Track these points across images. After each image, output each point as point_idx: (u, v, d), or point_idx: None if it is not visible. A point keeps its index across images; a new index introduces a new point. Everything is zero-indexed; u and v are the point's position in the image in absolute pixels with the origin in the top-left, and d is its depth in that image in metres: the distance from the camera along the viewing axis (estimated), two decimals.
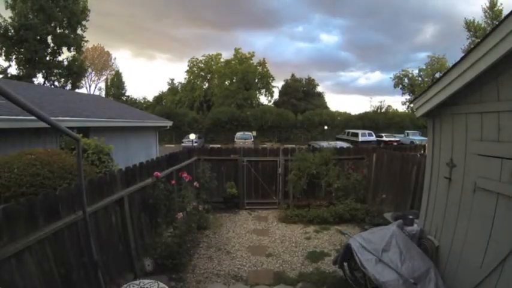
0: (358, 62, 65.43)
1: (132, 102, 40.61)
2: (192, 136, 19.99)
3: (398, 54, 55.94)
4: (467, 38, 30.53)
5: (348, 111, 40.91)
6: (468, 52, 2.64)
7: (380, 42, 56.79)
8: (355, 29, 61.32)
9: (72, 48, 28.41)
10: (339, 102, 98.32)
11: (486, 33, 2.53)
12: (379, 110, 38.28)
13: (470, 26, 30.41)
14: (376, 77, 68.40)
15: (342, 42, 66.52)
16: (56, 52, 27.98)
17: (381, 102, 39.85)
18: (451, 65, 3.08)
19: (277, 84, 44.43)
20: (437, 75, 32.88)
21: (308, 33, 63.56)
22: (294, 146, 10.98)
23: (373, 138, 24.82)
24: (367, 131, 26.03)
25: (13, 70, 26.60)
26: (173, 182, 5.21)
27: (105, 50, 45.66)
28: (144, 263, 3.88)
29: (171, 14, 55.81)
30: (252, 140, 24.36)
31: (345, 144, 13.93)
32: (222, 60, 43.09)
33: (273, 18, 57.68)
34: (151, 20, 56.64)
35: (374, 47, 57.59)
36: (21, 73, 26.17)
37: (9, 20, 24.44)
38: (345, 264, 3.74)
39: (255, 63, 40.91)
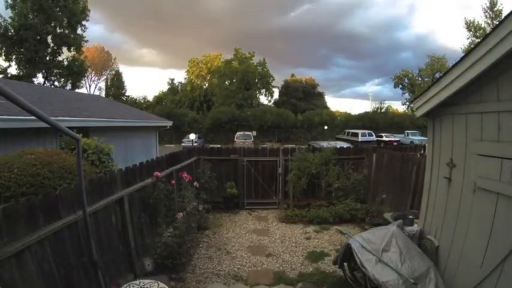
0: (358, 74, 72.71)
1: (132, 102, 40.57)
2: (192, 136, 20.00)
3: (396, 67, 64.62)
4: (467, 38, 30.56)
5: (348, 111, 41.04)
6: (468, 52, 2.64)
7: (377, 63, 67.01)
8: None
9: (72, 48, 28.40)
10: (339, 104, 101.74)
11: (486, 33, 2.53)
12: (379, 110, 38.28)
13: (470, 26, 30.41)
14: (377, 85, 73.89)
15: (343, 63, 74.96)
16: (56, 52, 27.97)
17: (381, 102, 39.80)
18: (451, 65, 3.08)
19: (277, 84, 44.40)
20: (437, 75, 32.87)
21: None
22: (294, 146, 10.98)
23: (373, 138, 24.83)
24: (367, 131, 26.04)
25: (13, 70, 26.65)
26: (173, 182, 5.21)
27: (105, 50, 45.76)
28: (144, 263, 3.88)
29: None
30: (252, 140, 24.32)
31: (345, 144, 13.93)
32: (222, 60, 43.09)
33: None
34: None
35: (373, 66, 66.81)
36: (21, 73, 26.17)
37: (9, 20, 24.44)
38: (345, 264, 3.75)
39: (254, 63, 40.89)
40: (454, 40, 64.24)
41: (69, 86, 29.76)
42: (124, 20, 65.05)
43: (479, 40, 2.64)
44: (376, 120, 35.04)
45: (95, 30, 64.15)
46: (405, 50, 67.27)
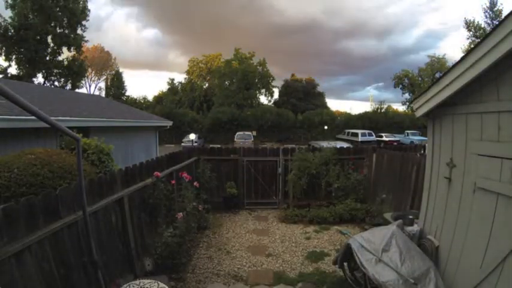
0: (358, 79, 75.40)
1: (132, 102, 40.57)
2: (192, 136, 19.98)
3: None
4: (467, 38, 30.52)
5: (348, 111, 41.02)
6: (468, 52, 2.64)
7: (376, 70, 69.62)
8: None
9: (72, 48, 28.41)
10: (340, 105, 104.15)
11: (486, 33, 2.54)
12: (379, 110, 38.22)
13: (470, 26, 30.38)
14: (376, 89, 74.85)
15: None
16: (56, 52, 27.99)
17: (381, 102, 39.73)
18: (451, 65, 3.08)
19: (277, 84, 44.36)
20: (437, 75, 32.86)
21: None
22: (294, 146, 10.98)
23: (373, 138, 24.84)
24: (367, 131, 26.04)
25: (13, 70, 26.68)
26: (173, 182, 5.21)
27: (105, 49, 45.75)
28: (144, 262, 3.88)
29: None
30: (252, 140, 24.31)
31: (345, 144, 13.91)
32: (222, 60, 43.08)
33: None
34: None
35: (372, 73, 70.73)
36: (21, 73, 26.20)
37: (9, 20, 24.44)
38: (345, 264, 3.75)
39: (255, 63, 40.87)
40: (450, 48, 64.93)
41: (69, 86, 29.78)
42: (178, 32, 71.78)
43: (479, 40, 2.64)
44: (376, 120, 34.95)
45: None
46: (402, 64, 70.05)
